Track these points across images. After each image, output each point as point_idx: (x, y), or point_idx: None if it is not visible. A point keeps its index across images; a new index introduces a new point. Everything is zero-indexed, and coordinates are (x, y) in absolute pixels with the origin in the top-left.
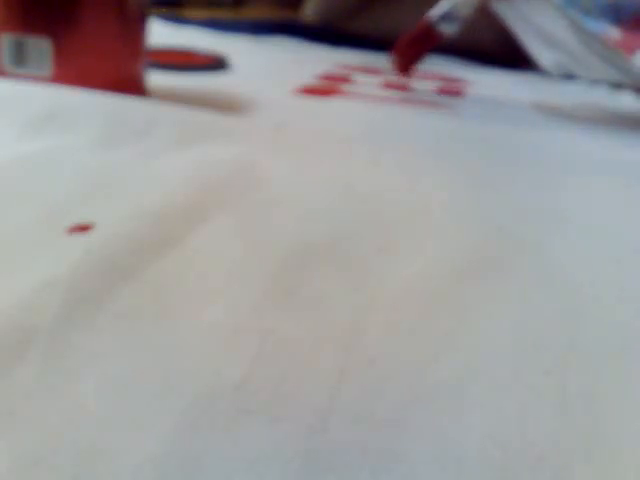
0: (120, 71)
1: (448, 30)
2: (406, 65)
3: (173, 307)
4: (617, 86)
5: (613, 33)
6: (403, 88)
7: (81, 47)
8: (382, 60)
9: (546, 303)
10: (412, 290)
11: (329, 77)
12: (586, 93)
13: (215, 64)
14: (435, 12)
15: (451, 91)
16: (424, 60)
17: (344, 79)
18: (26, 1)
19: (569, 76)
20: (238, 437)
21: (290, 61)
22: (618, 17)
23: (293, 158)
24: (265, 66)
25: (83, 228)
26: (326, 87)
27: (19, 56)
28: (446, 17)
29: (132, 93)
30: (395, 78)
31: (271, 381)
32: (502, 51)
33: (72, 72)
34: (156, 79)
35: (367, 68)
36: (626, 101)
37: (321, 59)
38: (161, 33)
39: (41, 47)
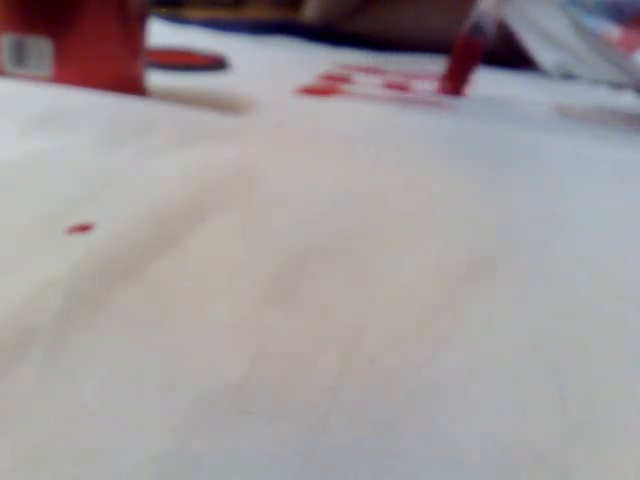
0: (120, 71)
1: (484, 38)
2: (460, 85)
3: (173, 307)
4: (618, 85)
5: (613, 32)
6: (403, 88)
7: (81, 47)
8: (382, 60)
9: (546, 303)
10: (412, 290)
11: (329, 77)
12: (586, 93)
13: (215, 64)
14: (465, 27)
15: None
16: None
17: (344, 79)
18: (26, 1)
19: (569, 76)
20: (238, 437)
21: (290, 61)
22: (619, 16)
23: (293, 158)
24: (265, 66)
25: (83, 228)
26: (326, 87)
27: (19, 56)
28: (476, 28)
29: (132, 93)
30: (395, 78)
31: (271, 381)
32: (502, 51)
33: (72, 72)
34: (156, 79)
35: (367, 68)
36: (626, 101)
37: (321, 59)
38: (161, 33)
39: (41, 47)
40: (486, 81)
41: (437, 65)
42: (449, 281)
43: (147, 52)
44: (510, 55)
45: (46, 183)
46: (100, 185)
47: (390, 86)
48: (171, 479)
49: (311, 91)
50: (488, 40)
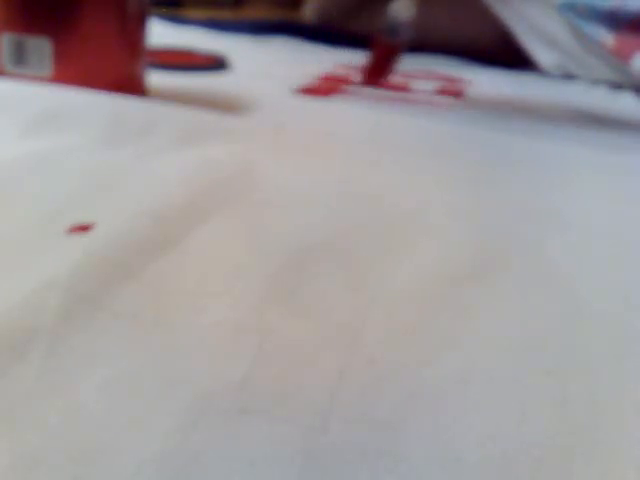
0: (120, 71)
1: (399, 39)
2: (379, 79)
3: (173, 307)
4: (617, 86)
5: (608, 39)
6: (403, 88)
7: (81, 47)
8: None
9: (546, 303)
10: (412, 290)
11: (329, 77)
12: (586, 93)
13: (215, 64)
14: (380, 29)
15: (451, 91)
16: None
17: (344, 79)
18: (26, 1)
19: (569, 76)
20: (238, 437)
21: (290, 61)
22: (613, 23)
23: (293, 158)
24: (265, 66)
25: (83, 228)
26: (326, 87)
27: (19, 56)
28: (391, 30)
29: (132, 93)
30: (395, 78)
31: (271, 381)
32: (502, 51)
33: (72, 72)
34: (156, 79)
35: None
36: (626, 102)
37: (321, 59)
38: (161, 33)
39: (41, 47)
40: (486, 81)
41: (437, 65)
42: (449, 281)
43: (147, 52)
44: (510, 55)
45: (46, 183)
46: (100, 185)
47: (390, 86)
48: (171, 479)
49: (311, 91)
50: (405, 41)
